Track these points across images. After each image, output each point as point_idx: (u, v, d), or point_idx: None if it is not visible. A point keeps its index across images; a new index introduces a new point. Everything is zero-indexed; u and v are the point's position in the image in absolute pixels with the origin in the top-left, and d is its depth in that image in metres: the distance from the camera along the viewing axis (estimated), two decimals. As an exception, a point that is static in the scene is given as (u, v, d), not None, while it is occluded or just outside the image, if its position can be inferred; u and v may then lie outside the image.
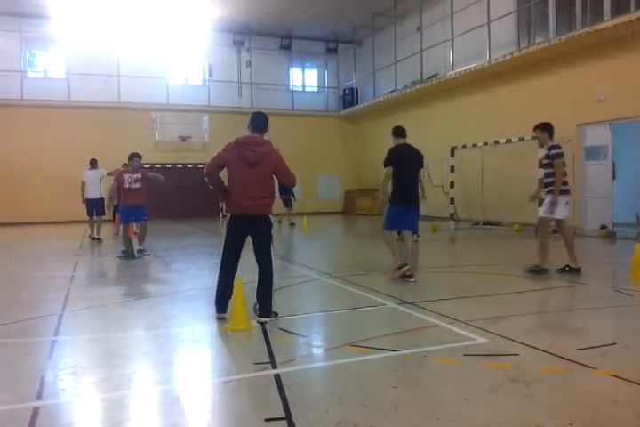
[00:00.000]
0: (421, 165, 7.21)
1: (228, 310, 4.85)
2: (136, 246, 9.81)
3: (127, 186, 9.65)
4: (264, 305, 4.97)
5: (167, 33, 19.68)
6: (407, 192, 7.02)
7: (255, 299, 5.06)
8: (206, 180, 5.03)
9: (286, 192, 16.36)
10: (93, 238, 13.03)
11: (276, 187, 5.83)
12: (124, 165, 14.50)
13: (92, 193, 13.11)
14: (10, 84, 19.44)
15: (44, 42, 20.38)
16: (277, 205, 15.73)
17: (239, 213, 4.96)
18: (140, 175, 9.76)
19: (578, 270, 7.25)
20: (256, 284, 5.04)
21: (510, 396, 3.07)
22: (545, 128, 7.39)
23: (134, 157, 9.95)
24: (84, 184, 13.06)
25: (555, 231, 7.99)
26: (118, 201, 10.03)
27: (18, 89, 19.54)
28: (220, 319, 4.89)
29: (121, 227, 10.20)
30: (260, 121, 5.08)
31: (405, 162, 7.03)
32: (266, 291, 4.98)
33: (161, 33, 19.55)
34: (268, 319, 4.89)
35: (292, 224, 16.70)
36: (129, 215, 9.87)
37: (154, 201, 20.68)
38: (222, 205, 9.02)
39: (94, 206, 13.07)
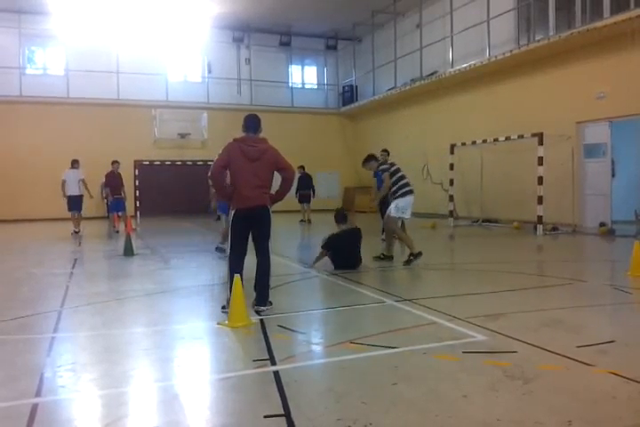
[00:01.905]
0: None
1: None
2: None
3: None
4: (262, 295, 5.20)
5: (166, 30, 19.63)
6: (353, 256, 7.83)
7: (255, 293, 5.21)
8: (210, 182, 5.24)
9: (308, 187, 16.50)
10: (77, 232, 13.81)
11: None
12: (114, 162, 14.58)
13: (74, 190, 13.92)
14: (9, 81, 19.41)
15: (43, 38, 20.34)
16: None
17: (244, 207, 5.16)
18: None
19: (420, 254, 7.95)
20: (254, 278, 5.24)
21: (509, 393, 3.07)
22: (366, 162, 8.71)
23: None
24: (64, 182, 13.89)
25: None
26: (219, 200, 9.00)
27: (17, 86, 19.51)
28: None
29: (223, 221, 9.14)
30: (252, 122, 5.35)
31: (344, 242, 7.78)
32: (264, 281, 5.24)
33: (160, 30, 19.50)
34: (264, 308, 5.12)
35: (309, 221, 16.57)
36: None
37: (153, 198, 20.90)
38: (212, 204, 8.87)
39: (75, 203, 13.99)
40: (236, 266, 5.14)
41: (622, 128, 12.55)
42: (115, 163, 14.62)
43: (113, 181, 14.51)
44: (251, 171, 5.11)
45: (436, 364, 3.65)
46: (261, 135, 5.41)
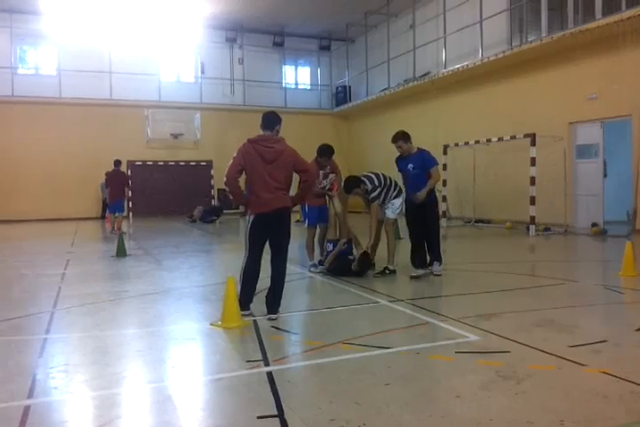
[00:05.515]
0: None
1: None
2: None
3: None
4: (277, 302, 5.03)
5: (159, 29, 19.57)
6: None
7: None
8: (226, 188, 5.03)
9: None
10: None
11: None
12: (117, 161, 14.47)
13: None
14: (0, 81, 19.29)
15: (34, 38, 20.21)
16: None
17: (264, 211, 4.91)
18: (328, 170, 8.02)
19: (394, 272, 7.31)
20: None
21: (502, 393, 3.08)
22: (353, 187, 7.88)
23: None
24: None
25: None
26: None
27: (8, 85, 19.38)
28: (247, 315, 4.88)
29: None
30: (270, 119, 5.09)
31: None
32: (280, 288, 5.06)
33: (153, 29, 19.43)
34: (276, 316, 4.95)
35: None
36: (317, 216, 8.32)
37: (145, 198, 20.83)
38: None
39: None
40: (251, 271, 4.99)
41: (614, 129, 12.61)
42: (117, 163, 14.22)
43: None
44: (267, 173, 4.87)
45: (429, 364, 3.66)
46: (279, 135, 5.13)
